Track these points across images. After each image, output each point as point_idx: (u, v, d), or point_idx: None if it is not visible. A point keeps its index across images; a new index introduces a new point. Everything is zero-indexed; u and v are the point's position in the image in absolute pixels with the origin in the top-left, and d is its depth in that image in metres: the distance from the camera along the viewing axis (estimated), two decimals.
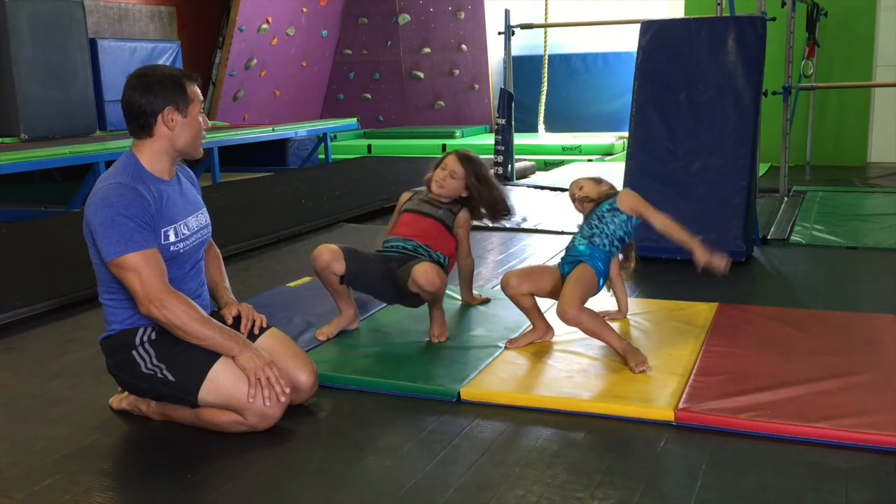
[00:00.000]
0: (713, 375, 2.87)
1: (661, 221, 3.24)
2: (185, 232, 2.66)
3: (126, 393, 2.78)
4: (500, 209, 3.64)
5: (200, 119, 2.65)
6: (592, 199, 3.30)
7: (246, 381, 2.53)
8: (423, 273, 3.19)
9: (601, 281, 3.20)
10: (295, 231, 5.78)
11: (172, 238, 2.60)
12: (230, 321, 2.76)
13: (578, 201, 3.34)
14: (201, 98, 2.66)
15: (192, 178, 2.83)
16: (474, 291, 3.90)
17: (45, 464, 2.42)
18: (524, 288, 3.23)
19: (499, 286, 4.32)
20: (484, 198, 3.59)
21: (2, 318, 3.76)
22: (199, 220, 2.75)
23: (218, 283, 2.90)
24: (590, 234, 3.23)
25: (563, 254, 3.33)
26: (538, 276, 3.28)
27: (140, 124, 2.56)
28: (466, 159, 3.56)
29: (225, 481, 2.34)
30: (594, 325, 3.04)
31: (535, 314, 3.28)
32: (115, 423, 2.72)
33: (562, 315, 3.04)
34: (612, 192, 3.32)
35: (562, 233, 5.76)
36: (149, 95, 2.54)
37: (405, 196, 3.75)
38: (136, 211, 2.48)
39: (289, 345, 2.79)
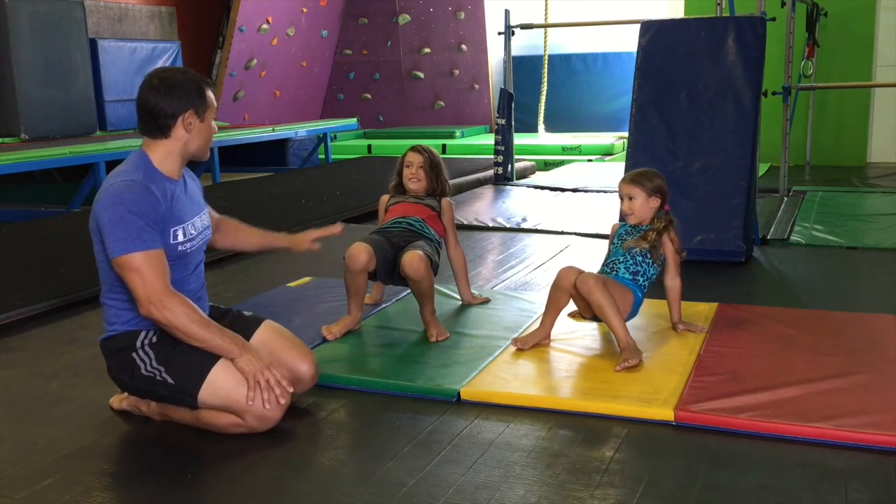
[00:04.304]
0: (713, 375, 2.87)
1: (675, 283, 3.35)
2: (193, 232, 2.68)
3: (126, 393, 2.78)
4: (446, 184, 3.81)
5: (213, 125, 2.69)
6: (640, 221, 3.34)
7: (245, 383, 2.53)
8: (409, 261, 3.31)
9: (634, 311, 3.27)
10: (295, 231, 5.73)
11: (181, 238, 2.62)
12: (314, 246, 3.08)
13: (626, 212, 3.36)
14: (215, 105, 2.69)
15: (195, 180, 2.86)
16: (474, 291, 3.90)
17: (45, 464, 2.42)
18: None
19: (499, 285, 4.33)
20: (439, 175, 3.77)
21: (2, 318, 3.76)
22: (203, 220, 2.77)
23: (259, 233, 3.13)
24: (635, 270, 3.28)
25: (601, 267, 3.37)
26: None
27: (158, 125, 2.58)
28: (421, 149, 3.77)
29: (225, 481, 2.34)
30: (606, 303, 3.05)
31: (556, 313, 3.27)
32: (115, 423, 2.73)
33: (583, 279, 3.10)
34: (657, 212, 3.32)
35: (562, 233, 5.76)
36: (171, 98, 2.55)
37: (385, 197, 3.86)
38: (146, 209, 2.49)
39: (288, 337, 2.82)
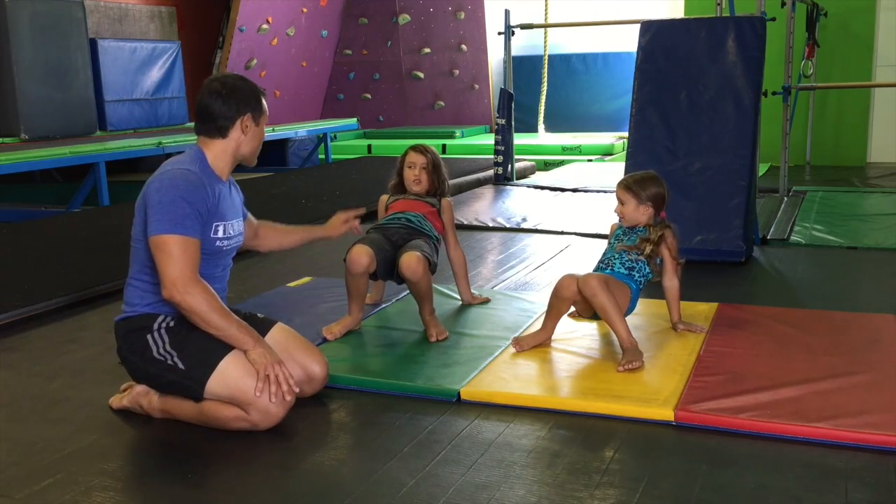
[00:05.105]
0: (713, 375, 2.87)
1: (673, 283, 3.34)
2: (231, 232, 2.79)
3: (126, 391, 2.79)
4: (445, 184, 3.81)
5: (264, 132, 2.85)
6: (633, 225, 3.34)
7: (254, 376, 2.56)
8: (407, 263, 3.31)
9: (632, 306, 3.26)
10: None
11: (221, 234, 2.73)
12: (343, 229, 3.22)
13: (619, 215, 3.38)
14: (268, 113, 2.84)
15: (238, 189, 2.97)
16: (474, 291, 3.90)
17: (45, 464, 2.43)
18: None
19: (499, 285, 4.33)
20: (440, 176, 3.78)
21: (2, 318, 3.76)
22: (240, 226, 2.89)
23: (293, 230, 3.29)
24: (630, 265, 3.28)
25: (598, 264, 3.37)
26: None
27: (218, 126, 2.72)
28: (423, 150, 3.78)
29: (225, 481, 2.34)
30: (609, 304, 3.04)
31: (557, 319, 3.26)
32: (115, 423, 2.73)
33: (585, 280, 3.09)
34: (652, 218, 3.31)
35: (561, 233, 5.76)
36: (231, 101, 2.72)
37: (385, 197, 3.87)
38: (196, 199, 2.60)
39: (300, 339, 2.88)
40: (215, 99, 2.71)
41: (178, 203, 2.57)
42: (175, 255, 2.53)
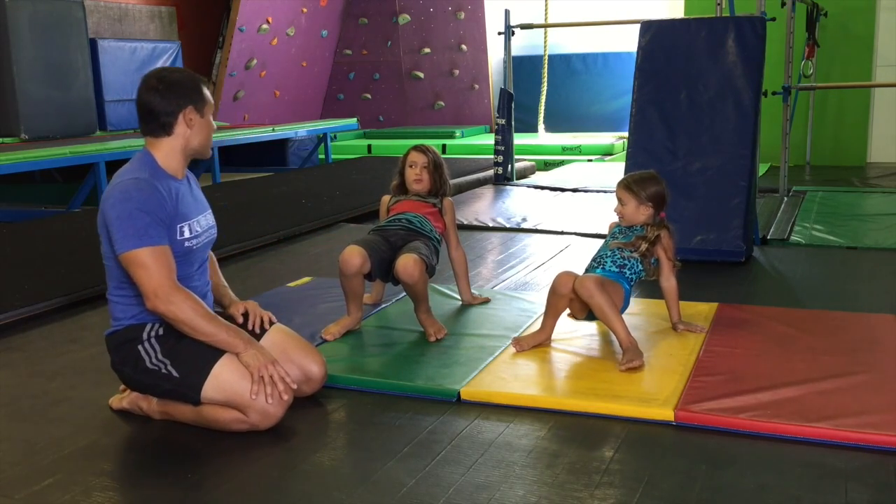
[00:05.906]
0: (713, 375, 2.87)
1: (670, 283, 3.33)
2: (198, 229, 2.72)
3: (126, 392, 2.79)
4: (447, 184, 3.82)
5: (212, 122, 2.74)
6: (631, 225, 3.34)
7: (249, 378, 2.55)
8: (403, 266, 3.30)
9: (625, 304, 3.25)
10: (295, 231, 5.78)
11: (187, 234, 2.66)
12: (240, 319, 2.82)
13: (619, 215, 3.37)
14: (213, 102, 2.74)
15: (197, 182, 2.89)
16: (474, 291, 3.90)
17: (45, 464, 2.43)
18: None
19: (499, 285, 4.33)
20: (441, 175, 3.78)
21: (2, 318, 3.76)
22: (208, 219, 2.82)
23: (218, 285, 2.96)
24: (622, 263, 3.27)
25: (590, 262, 3.36)
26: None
27: (161, 123, 2.63)
28: (424, 149, 3.77)
29: (225, 481, 2.34)
30: (606, 305, 3.04)
31: (556, 317, 3.26)
32: (115, 423, 2.73)
33: (581, 282, 3.08)
34: (651, 218, 3.31)
35: (561, 233, 5.76)
36: (170, 95, 2.62)
37: (386, 198, 3.87)
38: (153, 206, 2.54)
39: (298, 338, 2.86)
40: (153, 95, 2.61)
41: (135, 215, 2.50)
42: (149, 266, 2.49)
